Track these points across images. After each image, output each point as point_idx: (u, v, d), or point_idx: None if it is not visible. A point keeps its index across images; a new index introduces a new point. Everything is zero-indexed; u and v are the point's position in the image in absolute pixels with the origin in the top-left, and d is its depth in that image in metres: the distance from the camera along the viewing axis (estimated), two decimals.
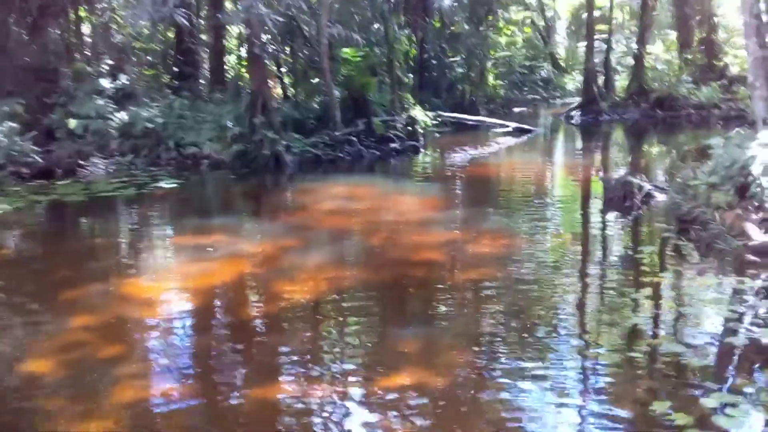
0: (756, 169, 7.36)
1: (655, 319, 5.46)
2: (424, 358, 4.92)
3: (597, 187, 11.10)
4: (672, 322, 5.44)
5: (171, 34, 18.52)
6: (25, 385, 4.69)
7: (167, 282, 6.85)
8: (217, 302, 6.39)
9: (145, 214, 10.66)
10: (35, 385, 4.68)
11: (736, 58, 25.44)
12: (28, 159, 12.74)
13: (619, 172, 11.25)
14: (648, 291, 6.04)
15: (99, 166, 13.92)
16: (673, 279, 6.43)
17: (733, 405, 3.99)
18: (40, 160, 12.90)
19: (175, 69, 17.71)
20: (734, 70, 24.29)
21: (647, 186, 9.42)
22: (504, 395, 4.32)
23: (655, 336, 5.13)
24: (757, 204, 7.40)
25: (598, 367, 4.72)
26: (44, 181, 12.33)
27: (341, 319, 5.84)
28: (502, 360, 4.81)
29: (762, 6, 9.82)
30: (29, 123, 14.06)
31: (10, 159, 12.51)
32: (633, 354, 4.83)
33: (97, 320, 5.82)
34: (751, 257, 6.65)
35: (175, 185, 12.20)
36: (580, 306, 5.95)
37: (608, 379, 4.56)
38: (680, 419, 3.87)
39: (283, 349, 5.18)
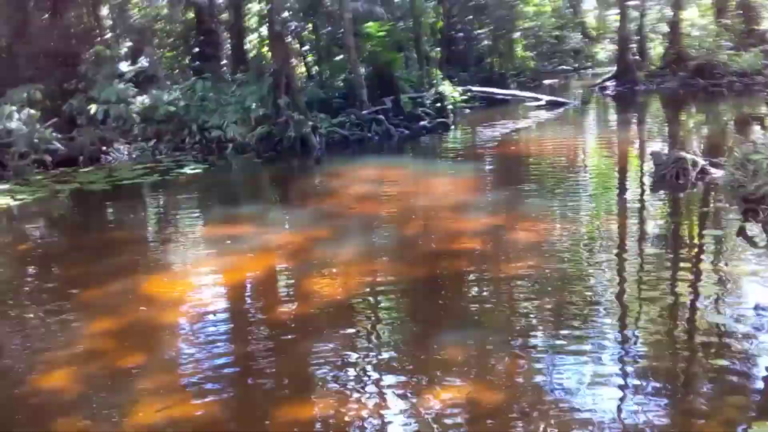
0: None
1: (733, 317, 4.88)
2: (465, 363, 4.43)
3: (643, 164, 10.44)
4: (740, 314, 4.85)
5: (191, 14, 18.02)
6: (39, 402, 4.30)
7: (193, 279, 6.43)
8: (246, 301, 5.96)
9: (169, 203, 10.29)
10: (50, 402, 4.29)
11: None
12: (50, 147, 12.44)
13: (667, 148, 10.56)
14: (713, 282, 5.47)
15: (122, 152, 13.61)
16: (741, 266, 5.82)
17: None
18: (63, 148, 12.61)
19: (196, 50, 17.23)
20: None
21: (701, 161, 8.75)
22: (558, 405, 3.81)
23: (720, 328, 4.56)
24: None
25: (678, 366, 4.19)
26: (67, 169, 12.05)
27: (377, 320, 5.35)
28: (554, 365, 4.29)
29: None
30: (50, 109, 13.78)
31: (33, 147, 12.22)
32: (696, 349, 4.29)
33: (118, 323, 5.42)
34: None
35: (199, 171, 11.83)
36: (639, 298, 5.38)
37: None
38: None
39: (316, 355, 4.72)
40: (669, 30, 22.73)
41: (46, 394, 4.39)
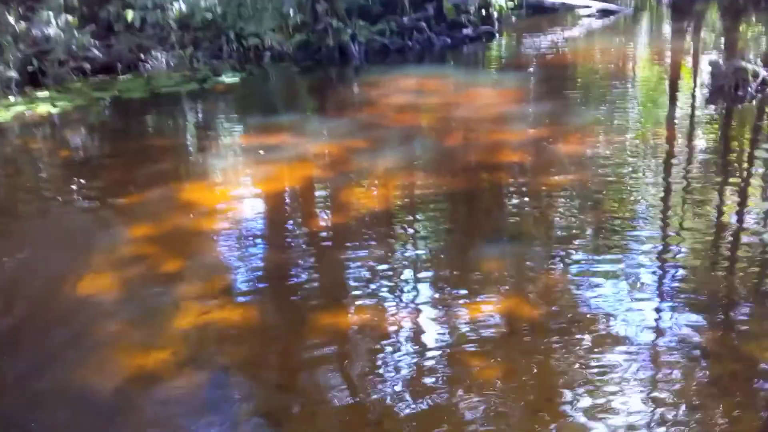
0: None
1: None
2: (502, 276, 4.35)
3: (698, 75, 9.89)
4: None
5: None
6: (77, 304, 4.39)
7: (231, 187, 6.42)
8: (284, 212, 5.92)
9: (207, 111, 10.21)
10: (89, 304, 4.37)
11: None
12: (88, 54, 12.37)
13: (724, 59, 9.94)
14: (765, 200, 5.22)
15: (160, 60, 13.47)
16: None
17: None
18: (101, 55, 12.52)
19: None
20: None
21: (763, 72, 8.22)
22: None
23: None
24: None
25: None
26: (105, 77, 12.01)
27: (414, 231, 5.27)
28: (594, 284, 4.18)
29: None
30: (87, 16, 13.62)
31: (71, 54, 12.17)
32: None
33: (156, 230, 5.47)
34: None
35: (237, 80, 11.65)
36: (683, 215, 5.18)
37: None
38: None
39: (353, 264, 4.70)
40: None
41: (85, 296, 4.48)
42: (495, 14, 16.18)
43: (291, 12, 13.39)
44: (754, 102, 7.95)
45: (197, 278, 4.66)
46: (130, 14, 13.40)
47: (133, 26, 13.48)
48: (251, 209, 5.84)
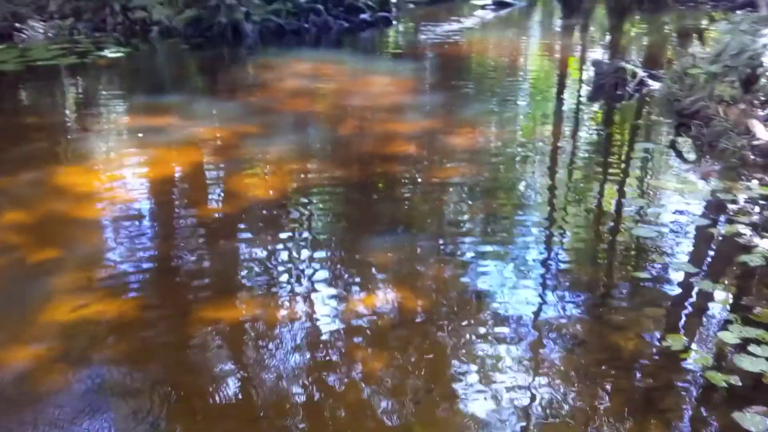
0: (767, 61, 6.68)
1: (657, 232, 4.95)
2: (394, 267, 4.38)
3: (583, 72, 10.35)
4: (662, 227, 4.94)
5: None
6: None
7: (112, 171, 6.06)
8: (168, 198, 5.66)
9: (88, 88, 9.60)
10: None
11: None
12: None
13: (608, 56, 10.46)
14: (640, 195, 5.55)
15: (37, 30, 12.53)
16: (669, 179, 5.88)
17: None
18: None
19: None
20: None
21: (641, 73, 8.70)
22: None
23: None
24: (764, 98, 6.79)
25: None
26: None
27: (305, 222, 5.20)
28: (480, 272, 4.29)
29: None
30: None
31: None
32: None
33: (29, 216, 5.10)
34: (756, 158, 6.11)
35: (121, 54, 11.03)
36: (566, 207, 5.43)
37: None
38: None
39: (241, 255, 4.58)
40: None
41: None
42: (393, 0, 16.23)
43: None
44: (632, 100, 8.40)
45: (72, 268, 4.38)
46: None
47: None
48: (133, 195, 5.52)
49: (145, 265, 4.46)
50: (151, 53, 11.81)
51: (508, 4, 17.98)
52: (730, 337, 3.63)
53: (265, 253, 4.60)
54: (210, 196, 5.62)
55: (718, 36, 8.16)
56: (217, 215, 5.26)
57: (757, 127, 6.40)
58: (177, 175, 6.06)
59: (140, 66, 10.84)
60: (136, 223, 5.09)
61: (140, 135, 6.94)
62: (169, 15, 12.83)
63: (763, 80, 6.75)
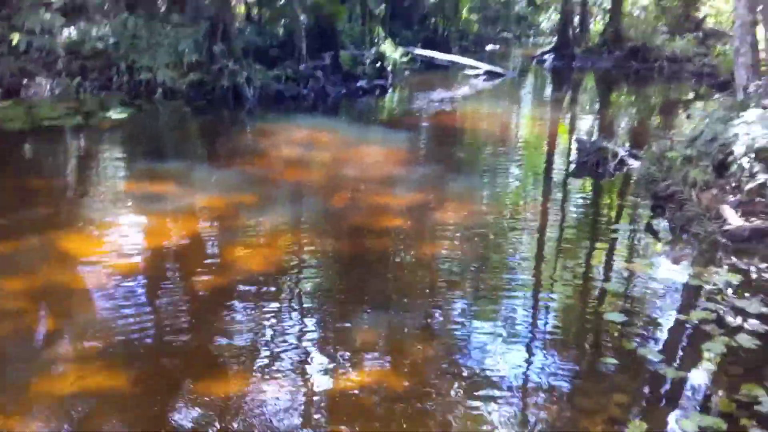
0: (738, 149, 7.07)
1: (625, 315, 5.19)
2: (383, 344, 4.60)
3: (570, 147, 10.76)
4: (633, 305, 5.19)
5: None
6: None
7: (109, 239, 6.31)
8: (165, 268, 5.89)
9: (92, 150, 9.95)
10: None
11: (713, 8, 25.04)
12: None
13: (592, 132, 10.89)
14: (615, 279, 5.82)
15: (44, 87, 12.98)
16: (644, 261, 6.16)
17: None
18: None
19: None
20: (710, 22, 23.89)
21: (621, 152, 9.10)
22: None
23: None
24: (735, 184, 7.14)
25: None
26: None
27: (297, 296, 5.43)
28: (466, 355, 4.52)
29: None
30: None
31: None
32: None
33: (27, 284, 5.31)
34: (727, 242, 6.42)
35: (125, 116, 11.45)
36: (549, 288, 5.67)
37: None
38: None
39: (233, 329, 4.78)
40: (611, 7, 23.09)
41: None
42: (389, 67, 16.85)
43: (187, 50, 13.35)
44: (613, 179, 8.78)
45: (72, 339, 4.59)
46: (16, 37, 12.88)
47: (17, 49, 12.95)
48: (129, 265, 5.77)
49: (139, 338, 4.65)
50: (154, 114, 12.23)
51: (500, 75, 18.64)
52: (689, 425, 3.85)
53: (254, 328, 4.82)
54: (203, 268, 5.84)
55: (693, 122, 8.59)
56: (209, 288, 5.47)
57: (728, 212, 6.73)
58: (174, 244, 6.31)
59: (143, 128, 11.22)
60: (132, 293, 5.31)
61: (140, 202, 7.24)
62: (173, 77, 13.33)
63: (734, 167, 7.12)
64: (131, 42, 13.89)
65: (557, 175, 9.53)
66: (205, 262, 6.02)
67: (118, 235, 6.40)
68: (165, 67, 13.42)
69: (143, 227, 6.65)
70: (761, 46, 9.30)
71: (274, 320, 4.96)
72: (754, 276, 5.81)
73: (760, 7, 9.84)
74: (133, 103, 12.46)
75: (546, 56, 22.47)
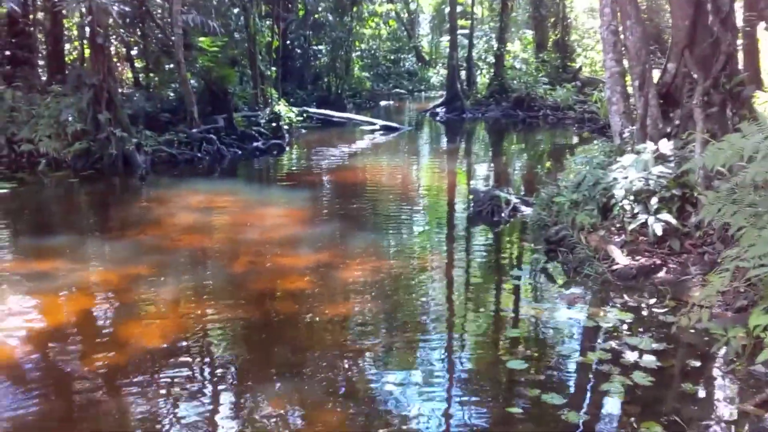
0: (618, 192, 7.51)
1: (530, 362, 5.31)
2: (290, 413, 4.47)
3: (467, 197, 11.09)
4: (536, 355, 5.32)
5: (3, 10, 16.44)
6: None
7: None
8: (55, 350, 5.49)
9: None
10: None
11: (587, 59, 26.96)
12: None
13: (487, 180, 11.28)
14: (518, 325, 5.97)
15: None
16: (538, 309, 6.35)
17: None
18: None
19: (7, 53, 15.74)
20: (586, 72, 25.65)
21: (514, 199, 9.47)
22: None
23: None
24: (619, 225, 7.57)
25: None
26: None
27: (198, 369, 5.21)
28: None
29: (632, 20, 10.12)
30: None
31: None
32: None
33: None
34: (616, 281, 6.75)
35: (6, 190, 10.83)
36: (451, 338, 5.73)
37: None
38: None
39: (130, 411, 4.51)
40: (495, 61, 24.35)
41: None
42: (285, 127, 16.93)
43: (70, 119, 12.87)
44: (507, 225, 9.10)
45: None
46: None
47: None
48: (16, 349, 5.37)
49: (26, 425, 4.31)
50: (38, 188, 11.64)
51: (396, 129, 19.13)
52: None
53: (152, 408, 4.56)
54: (96, 347, 5.50)
55: (577, 167, 9.09)
56: (102, 368, 5.15)
57: (615, 252, 7.10)
58: (63, 324, 5.94)
59: (26, 203, 10.63)
60: (17, 379, 4.94)
61: (25, 282, 6.80)
62: (57, 148, 12.79)
63: (617, 209, 7.54)
64: (9, 115, 13.29)
65: (457, 224, 9.79)
66: (98, 340, 5.68)
67: (1, 318, 5.94)
68: (47, 138, 12.88)
69: (29, 308, 6.22)
70: (631, 91, 9.96)
71: (175, 397, 4.71)
72: (644, 313, 6.11)
73: (625, 61, 10.64)
74: (14, 176, 11.84)
75: (438, 109, 23.31)
